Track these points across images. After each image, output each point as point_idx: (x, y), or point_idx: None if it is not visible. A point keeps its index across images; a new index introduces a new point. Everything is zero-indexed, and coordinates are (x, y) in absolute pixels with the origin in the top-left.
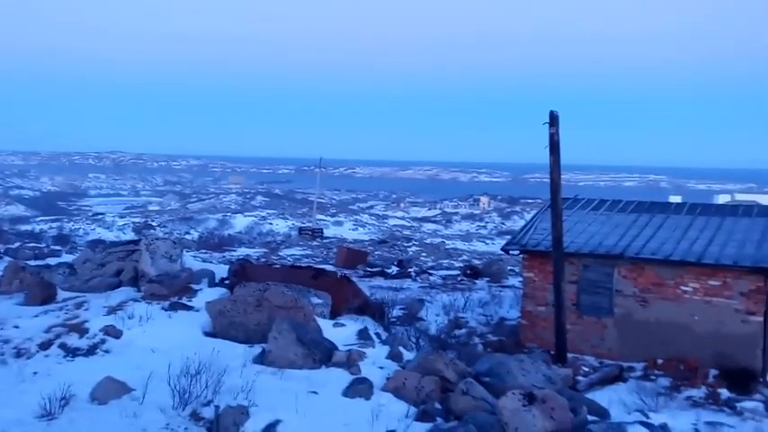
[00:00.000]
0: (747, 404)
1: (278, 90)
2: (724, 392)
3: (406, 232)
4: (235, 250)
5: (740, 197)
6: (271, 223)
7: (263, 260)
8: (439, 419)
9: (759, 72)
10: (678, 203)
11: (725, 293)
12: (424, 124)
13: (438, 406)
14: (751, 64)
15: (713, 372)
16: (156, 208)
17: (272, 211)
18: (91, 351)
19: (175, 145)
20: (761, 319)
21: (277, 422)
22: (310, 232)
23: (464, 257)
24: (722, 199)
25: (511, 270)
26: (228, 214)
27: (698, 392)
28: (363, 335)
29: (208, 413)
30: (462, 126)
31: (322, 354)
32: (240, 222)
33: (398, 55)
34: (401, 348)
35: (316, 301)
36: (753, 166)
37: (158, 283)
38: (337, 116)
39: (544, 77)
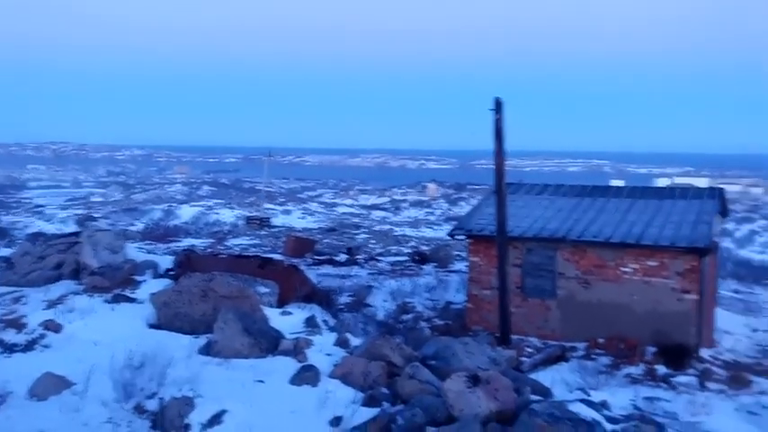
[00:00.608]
0: (682, 379)
1: (224, 78)
2: (661, 368)
3: (355, 220)
4: (180, 241)
5: (679, 180)
6: (217, 213)
7: (209, 250)
8: (386, 404)
9: (696, 59)
10: (618, 187)
11: (662, 273)
12: (372, 112)
13: (385, 390)
14: (688, 52)
15: (651, 349)
16: (99, 199)
17: (219, 201)
18: (29, 347)
19: (119, 135)
20: (695, 297)
21: (223, 412)
22: (258, 221)
23: (412, 244)
24: (662, 182)
25: (458, 255)
26: (174, 205)
27: (636, 370)
28: (311, 323)
29: (152, 406)
30: (410, 113)
31: (269, 343)
32: (186, 213)
33: (346, 42)
34: (348, 335)
35: (262, 290)
36: (691, 150)
37: (100, 276)
38: (286, 104)
39: (491, 64)
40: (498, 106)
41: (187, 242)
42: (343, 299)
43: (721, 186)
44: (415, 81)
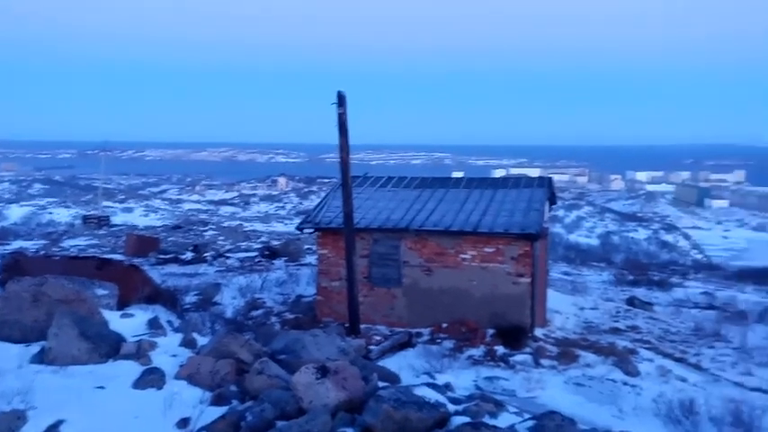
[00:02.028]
0: (519, 357)
1: (53, 67)
2: (500, 349)
3: (203, 216)
4: (9, 243)
5: (514, 171)
6: (51, 213)
7: (41, 252)
8: (235, 401)
9: (528, 53)
10: (457, 178)
11: (498, 259)
12: (219, 104)
13: (234, 388)
14: (519, 47)
15: (490, 331)
16: None
17: (53, 200)
18: None
19: None
20: (529, 280)
21: (60, 422)
22: (96, 220)
23: (263, 239)
24: (499, 173)
25: (308, 248)
26: (1, 204)
27: (478, 351)
28: (154, 324)
29: None
30: (258, 106)
31: (109, 347)
32: (15, 213)
33: (190, 28)
34: (195, 334)
35: (101, 292)
36: (525, 142)
37: None
38: (123, 95)
39: (340, 57)
40: (341, 100)
41: (17, 244)
42: (190, 298)
43: (550, 176)
44: (265, 73)
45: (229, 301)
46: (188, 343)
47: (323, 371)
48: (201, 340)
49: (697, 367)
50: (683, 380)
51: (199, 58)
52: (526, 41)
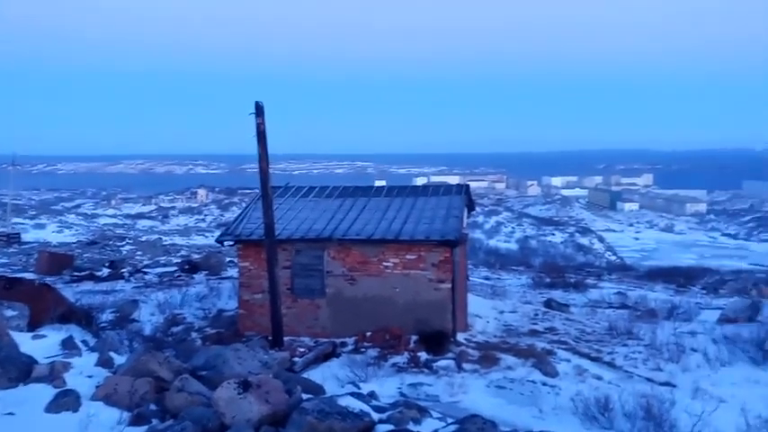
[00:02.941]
0: (442, 363)
1: None
2: (423, 355)
3: (119, 231)
4: None
5: (435, 179)
6: None
7: None
8: (155, 421)
9: (448, 64)
10: (378, 187)
11: (420, 266)
12: (134, 115)
13: (154, 407)
14: (440, 57)
15: (414, 337)
16: None
17: None
18: None
19: None
20: (450, 285)
21: None
22: (5, 238)
23: (183, 253)
24: (420, 181)
25: (230, 261)
26: None
27: (402, 358)
28: (68, 344)
29: None
30: (176, 117)
31: (19, 370)
32: None
33: (101, 31)
34: (112, 353)
35: (9, 313)
36: (445, 150)
37: None
38: (33, 108)
39: (257, 66)
40: (259, 110)
41: None
42: (106, 316)
43: (468, 183)
44: (182, 82)
45: (148, 318)
46: (104, 362)
47: (245, 385)
48: (119, 359)
49: (611, 365)
50: (599, 378)
51: (113, 65)
52: (441, 51)
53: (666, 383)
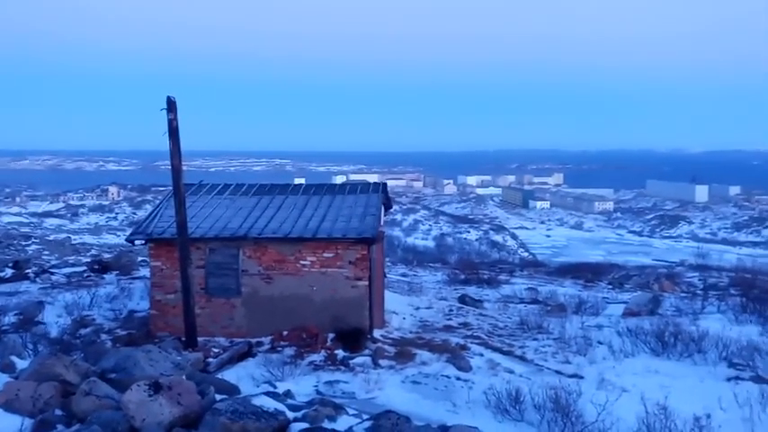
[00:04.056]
0: (358, 360)
1: None
2: (340, 353)
3: (25, 230)
4: None
5: (354, 177)
6: None
7: None
8: (60, 426)
9: (369, 66)
10: (296, 185)
11: (337, 264)
12: (40, 109)
13: (59, 412)
14: (360, 59)
15: (331, 335)
16: None
17: None
18: None
19: None
20: (367, 283)
21: None
22: None
23: (93, 252)
24: (339, 179)
25: (143, 261)
26: None
27: (319, 356)
28: None
29: None
30: (85, 111)
31: None
32: None
33: (10, 27)
34: (13, 358)
35: None
36: (364, 149)
37: None
38: None
39: (171, 62)
40: (171, 106)
41: None
42: (9, 319)
43: (385, 181)
44: (92, 76)
45: (54, 320)
46: (5, 367)
47: (156, 387)
48: (21, 363)
49: (522, 359)
50: (511, 371)
51: (20, 55)
52: (362, 53)
53: (574, 375)
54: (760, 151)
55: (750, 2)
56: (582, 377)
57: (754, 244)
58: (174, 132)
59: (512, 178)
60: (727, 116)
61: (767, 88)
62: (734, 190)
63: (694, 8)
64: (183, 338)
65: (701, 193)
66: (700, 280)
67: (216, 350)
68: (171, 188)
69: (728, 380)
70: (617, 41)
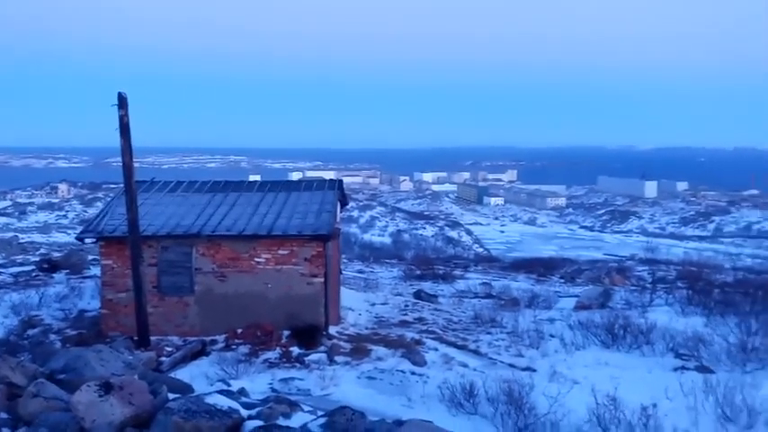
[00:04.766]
0: (314, 356)
1: None
2: (295, 350)
3: None
4: None
5: (310, 174)
6: None
7: None
8: (6, 430)
9: (324, 63)
10: (250, 182)
11: (292, 261)
12: None
13: (5, 415)
14: (313, 56)
15: (286, 332)
16: None
17: None
18: None
19: None
20: (322, 280)
21: None
22: None
23: (42, 251)
24: (295, 176)
25: (93, 260)
26: None
27: (274, 354)
28: None
29: None
30: (32, 107)
31: None
32: None
33: None
34: None
35: None
36: (321, 145)
37: None
38: None
39: (122, 57)
40: (122, 102)
41: None
42: None
43: (341, 178)
44: (40, 70)
45: (0, 321)
46: None
47: (107, 388)
48: None
49: (476, 353)
50: (465, 365)
51: None
52: (318, 51)
53: (527, 368)
54: (706, 148)
55: (691, 3)
56: (534, 370)
57: (701, 238)
58: (125, 129)
59: (467, 175)
60: (676, 114)
61: (713, 88)
62: (681, 186)
63: (637, 9)
64: (136, 338)
65: (651, 188)
66: (649, 273)
67: (169, 349)
68: (122, 185)
69: (675, 370)
70: (568, 41)
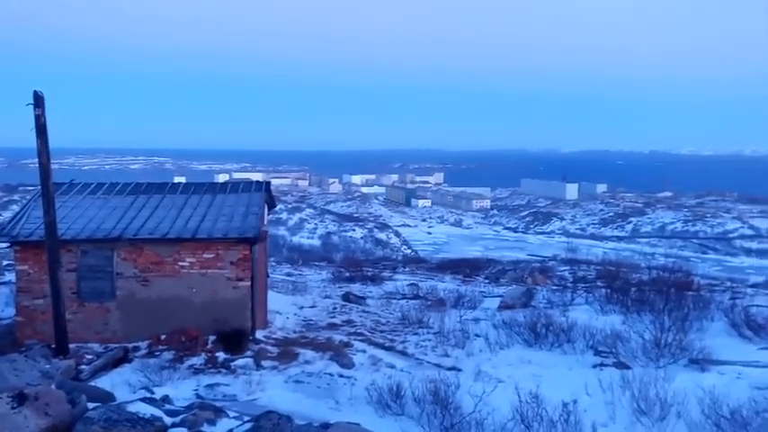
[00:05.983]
0: (240, 362)
1: None
2: (221, 355)
3: None
4: None
5: (237, 176)
6: None
7: None
8: None
9: (250, 60)
10: (174, 184)
11: (218, 264)
12: None
13: None
14: (243, 55)
15: (212, 338)
16: None
17: None
18: None
19: None
20: (248, 283)
21: None
22: None
23: None
24: (222, 178)
25: (8, 265)
26: None
27: (199, 360)
28: None
29: None
30: None
31: None
32: None
33: None
34: None
35: None
36: (248, 147)
37: None
38: None
39: (38, 56)
40: (38, 101)
41: None
42: None
43: (269, 180)
44: None
45: None
46: None
47: (21, 398)
48: None
49: (404, 353)
50: (392, 366)
51: None
52: (253, 48)
53: (453, 368)
54: (624, 151)
55: (607, 9)
56: (460, 370)
57: (619, 238)
58: (42, 129)
59: (395, 177)
60: (595, 118)
61: (630, 92)
62: (601, 188)
63: (556, 14)
64: (53, 346)
65: (572, 191)
66: (570, 273)
67: (89, 356)
68: (39, 188)
69: (594, 367)
70: (493, 45)
